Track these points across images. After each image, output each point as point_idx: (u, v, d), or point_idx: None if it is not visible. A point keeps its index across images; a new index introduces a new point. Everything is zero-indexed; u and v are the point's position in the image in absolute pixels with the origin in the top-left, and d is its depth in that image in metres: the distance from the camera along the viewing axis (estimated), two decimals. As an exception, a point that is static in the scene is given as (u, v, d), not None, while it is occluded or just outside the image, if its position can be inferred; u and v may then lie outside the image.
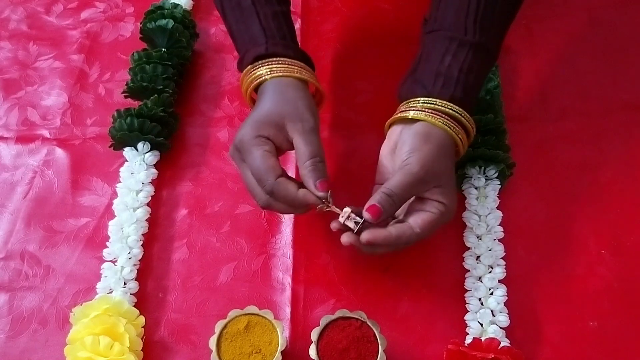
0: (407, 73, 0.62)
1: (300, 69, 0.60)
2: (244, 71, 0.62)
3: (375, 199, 0.53)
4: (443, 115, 0.56)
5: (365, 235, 0.53)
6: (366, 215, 0.53)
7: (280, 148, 0.57)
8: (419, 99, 0.58)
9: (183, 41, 0.75)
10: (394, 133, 0.59)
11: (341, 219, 0.54)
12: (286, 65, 0.60)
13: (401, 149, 0.56)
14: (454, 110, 0.56)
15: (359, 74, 0.76)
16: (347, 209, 0.54)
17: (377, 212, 0.53)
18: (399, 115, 0.59)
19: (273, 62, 0.60)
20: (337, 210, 0.54)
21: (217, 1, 0.65)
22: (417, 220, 0.54)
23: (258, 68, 0.60)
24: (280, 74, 0.59)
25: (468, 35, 0.57)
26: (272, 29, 0.61)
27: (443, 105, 0.56)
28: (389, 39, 0.80)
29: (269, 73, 0.59)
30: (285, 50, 0.61)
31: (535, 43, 0.78)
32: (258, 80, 0.60)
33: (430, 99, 0.57)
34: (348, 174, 0.68)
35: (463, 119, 0.57)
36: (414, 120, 0.57)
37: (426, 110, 0.57)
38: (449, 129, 0.56)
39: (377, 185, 0.59)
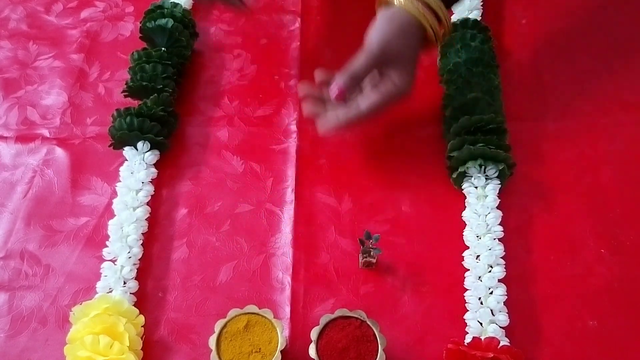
0: None
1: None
2: None
3: (340, 81, 0.61)
4: (417, 2, 0.60)
5: (322, 129, 0.63)
6: (332, 96, 0.62)
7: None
8: None
9: (183, 40, 0.75)
10: (376, 16, 0.64)
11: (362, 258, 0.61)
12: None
13: (370, 30, 0.62)
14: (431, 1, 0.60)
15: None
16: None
17: (342, 95, 0.62)
18: None
19: None
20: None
21: None
22: (365, 101, 0.62)
23: None
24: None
25: None
26: None
27: None
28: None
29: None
30: None
31: (536, 43, 0.78)
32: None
33: None
34: (349, 168, 0.68)
35: (438, 10, 0.61)
36: (391, 5, 0.62)
37: None
38: (416, 10, 0.60)
39: None
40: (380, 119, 0.69)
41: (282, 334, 0.53)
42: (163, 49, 0.74)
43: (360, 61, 0.61)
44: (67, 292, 0.62)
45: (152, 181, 0.68)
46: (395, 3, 0.61)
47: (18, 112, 0.75)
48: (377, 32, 0.61)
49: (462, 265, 0.61)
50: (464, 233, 0.63)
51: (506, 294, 0.58)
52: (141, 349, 0.57)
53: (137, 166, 0.67)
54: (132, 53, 0.74)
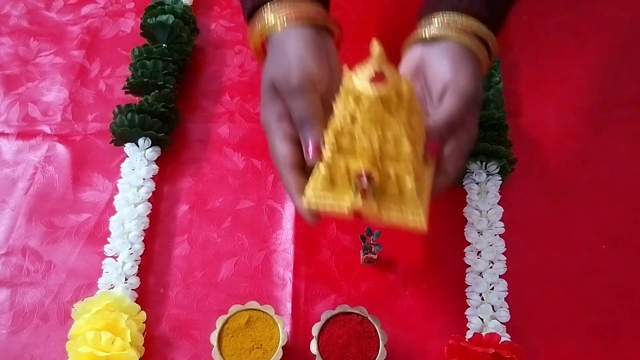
0: None
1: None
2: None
3: (436, 134, 0.47)
4: (470, 34, 0.51)
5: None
6: (428, 155, 0.47)
7: None
8: (441, 12, 0.52)
9: (183, 37, 0.75)
10: (414, 54, 0.54)
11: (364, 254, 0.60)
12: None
13: (435, 69, 0.51)
14: (480, 30, 0.51)
15: (359, 70, 0.76)
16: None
17: (437, 150, 0.48)
18: (419, 32, 0.53)
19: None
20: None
21: None
22: (450, 164, 0.49)
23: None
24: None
25: None
26: None
27: (468, 23, 0.51)
28: (391, 34, 0.79)
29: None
30: None
31: (537, 38, 0.78)
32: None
33: (455, 13, 0.52)
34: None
35: (489, 42, 0.52)
36: (436, 40, 0.52)
37: (452, 27, 0.51)
38: (475, 47, 0.51)
39: None
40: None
41: (283, 330, 0.53)
42: (164, 45, 0.73)
43: (455, 106, 0.48)
44: (69, 288, 0.62)
45: (153, 177, 0.67)
46: (455, 39, 0.51)
47: (19, 109, 0.75)
48: (463, 70, 0.49)
49: (463, 261, 0.61)
50: (465, 229, 0.63)
51: (507, 290, 0.58)
52: (143, 345, 0.57)
53: (138, 162, 0.67)
54: (133, 49, 0.74)
